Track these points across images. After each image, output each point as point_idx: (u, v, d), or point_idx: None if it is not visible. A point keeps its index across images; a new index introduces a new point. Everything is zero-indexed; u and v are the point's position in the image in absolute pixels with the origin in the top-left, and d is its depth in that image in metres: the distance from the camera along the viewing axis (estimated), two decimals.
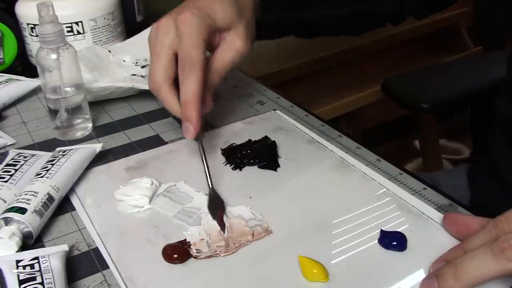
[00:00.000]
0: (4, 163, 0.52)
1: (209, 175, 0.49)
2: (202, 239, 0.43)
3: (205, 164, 0.49)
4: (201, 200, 0.48)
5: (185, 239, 0.44)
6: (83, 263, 0.42)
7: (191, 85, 0.48)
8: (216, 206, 0.47)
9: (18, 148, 0.58)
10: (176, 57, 0.50)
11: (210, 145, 0.57)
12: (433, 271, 0.39)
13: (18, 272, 0.38)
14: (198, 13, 0.50)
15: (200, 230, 0.45)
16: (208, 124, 0.52)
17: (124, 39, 0.81)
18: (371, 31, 0.71)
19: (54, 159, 0.50)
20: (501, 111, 0.64)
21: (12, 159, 0.52)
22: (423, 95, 0.97)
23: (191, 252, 0.42)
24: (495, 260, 0.34)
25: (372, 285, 0.39)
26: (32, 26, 0.74)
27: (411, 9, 0.68)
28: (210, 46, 0.53)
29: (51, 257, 0.40)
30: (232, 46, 0.53)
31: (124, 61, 0.72)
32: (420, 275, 0.39)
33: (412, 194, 0.48)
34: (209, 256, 0.42)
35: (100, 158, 0.55)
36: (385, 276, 0.40)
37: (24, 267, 0.38)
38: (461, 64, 1.21)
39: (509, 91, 0.63)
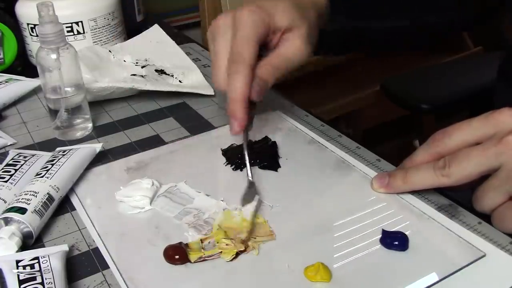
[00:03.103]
0: (4, 163, 0.52)
1: (250, 168, 0.50)
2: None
3: (246, 157, 0.50)
4: (202, 201, 0.48)
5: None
6: (83, 263, 0.42)
7: (237, 83, 0.48)
8: (249, 197, 0.47)
9: (18, 148, 0.58)
10: None
11: (210, 146, 0.57)
12: (388, 171, 0.49)
13: (18, 272, 0.38)
14: (257, 11, 0.50)
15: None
16: (251, 120, 0.52)
17: (124, 39, 0.81)
18: (424, 46, 0.71)
19: (54, 159, 0.50)
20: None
21: (12, 159, 0.52)
22: (422, 95, 0.97)
23: None
24: (434, 174, 0.43)
25: (374, 285, 0.39)
26: (32, 26, 0.74)
27: (464, 22, 0.68)
28: (269, 45, 0.52)
29: (51, 257, 0.40)
30: (292, 46, 0.51)
31: (124, 61, 0.72)
32: (422, 274, 0.39)
33: (412, 194, 0.48)
34: (210, 256, 0.42)
35: (100, 158, 0.55)
36: (387, 276, 0.40)
37: (24, 267, 0.38)
38: (461, 64, 1.21)
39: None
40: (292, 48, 0.51)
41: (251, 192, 0.48)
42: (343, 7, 0.60)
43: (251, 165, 0.53)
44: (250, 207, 0.45)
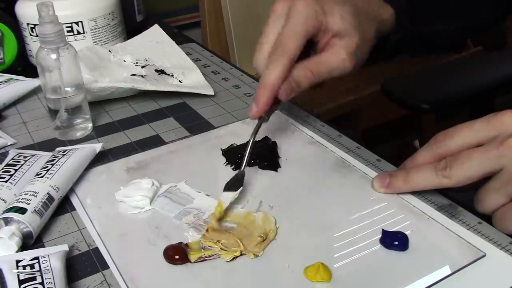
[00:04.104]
0: (4, 163, 0.52)
1: (247, 159, 0.49)
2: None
3: (249, 146, 0.49)
4: (202, 201, 0.48)
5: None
6: (83, 263, 0.42)
7: (273, 72, 0.48)
8: (234, 185, 0.47)
9: (18, 148, 0.58)
10: None
11: (210, 146, 0.57)
12: (389, 172, 0.49)
13: (18, 272, 0.38)
14: (313, 5, 0.49)
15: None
16: (270, 113, 0.51)
17: (124, 39, 0.81)
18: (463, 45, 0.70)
19: (54, 159, 0.50)
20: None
21: (12, 159, 0.52)
22: (423, 95, 0.97)
23: None
24: (435, 175, 0.43)
25: (374, 285, 0.39)
26: (32, 26, 0.74)
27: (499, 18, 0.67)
28: (317, 44, 0.51)
29: (51, 257, 0.40)
30: (336, 55, 0.50)
31: (124, 61, 0.72)
32: (422, 274, 0.39)
33: (412, 194, 0.48)
34: (210, 256, 0.42)
35: (100, 158, 0.55)
36: (387, 276, 0.40)
37: (24, 267, 0.38)
38: (461, 64, 1.21)
39: None
40: (335, 58, 0.50)
41: (238, 181, 0.48)
42: (409, 15, 0.58)
43: (251, 165, 0.53)
44: (231, 194, 0.46)
